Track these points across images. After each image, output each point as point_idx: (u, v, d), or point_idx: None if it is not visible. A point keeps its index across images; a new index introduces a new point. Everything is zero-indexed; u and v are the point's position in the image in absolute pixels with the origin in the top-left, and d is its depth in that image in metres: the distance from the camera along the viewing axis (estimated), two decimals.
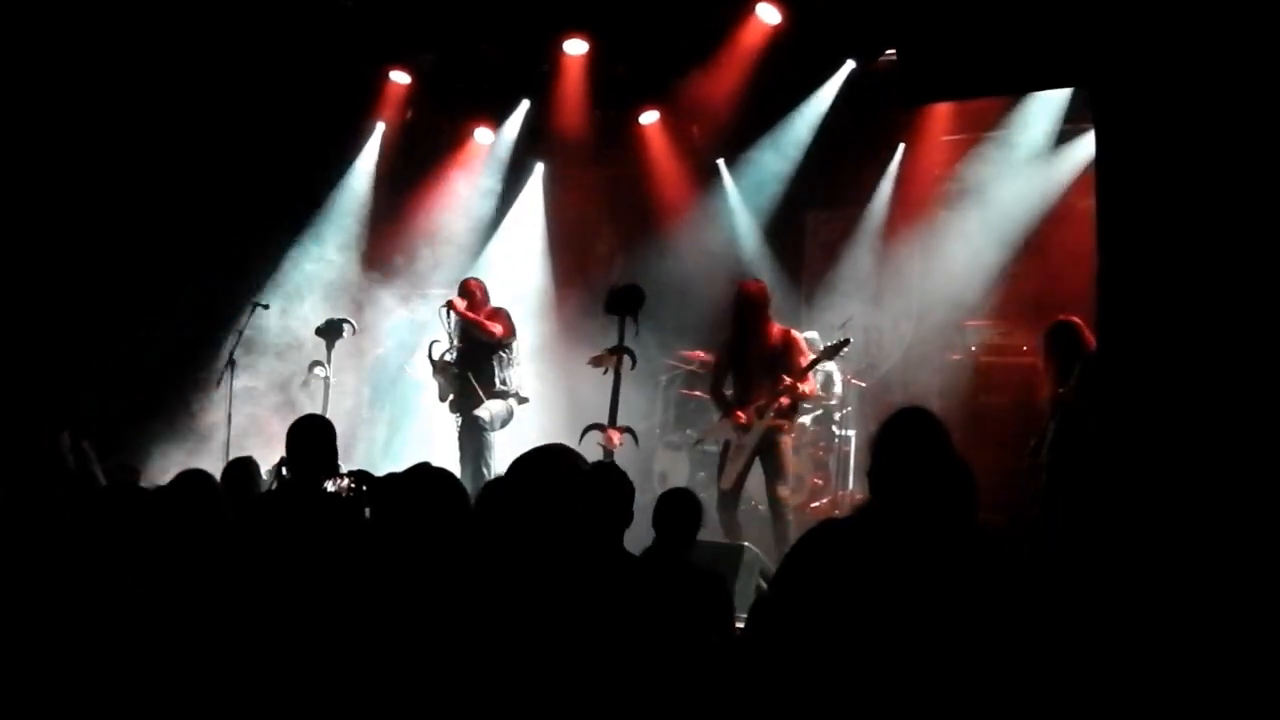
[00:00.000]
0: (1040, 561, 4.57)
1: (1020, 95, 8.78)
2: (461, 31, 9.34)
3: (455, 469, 7.92)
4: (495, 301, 8.86)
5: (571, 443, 5.71)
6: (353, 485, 5.31)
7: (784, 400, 7.32)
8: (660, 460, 9.56)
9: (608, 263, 11.20)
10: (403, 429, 10.38)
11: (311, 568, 3.94)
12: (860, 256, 9.96)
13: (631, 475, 4.36)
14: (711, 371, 8.07)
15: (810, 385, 7.55)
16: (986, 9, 5.19)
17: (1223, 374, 4.32)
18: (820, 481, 9.01)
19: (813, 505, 8.73)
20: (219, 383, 9.05)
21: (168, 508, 4.48)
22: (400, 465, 4.36)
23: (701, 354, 9.58)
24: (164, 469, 8.48)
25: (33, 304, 8.83)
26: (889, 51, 8.72)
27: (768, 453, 7.37)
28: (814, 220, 10.64)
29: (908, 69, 5.69)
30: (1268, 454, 4.13)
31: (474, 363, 8.58)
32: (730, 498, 7.40)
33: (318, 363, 9.36)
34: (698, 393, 9.58)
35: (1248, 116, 4.40)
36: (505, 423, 8.57)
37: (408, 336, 10.46)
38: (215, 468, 6.10)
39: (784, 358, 7.39)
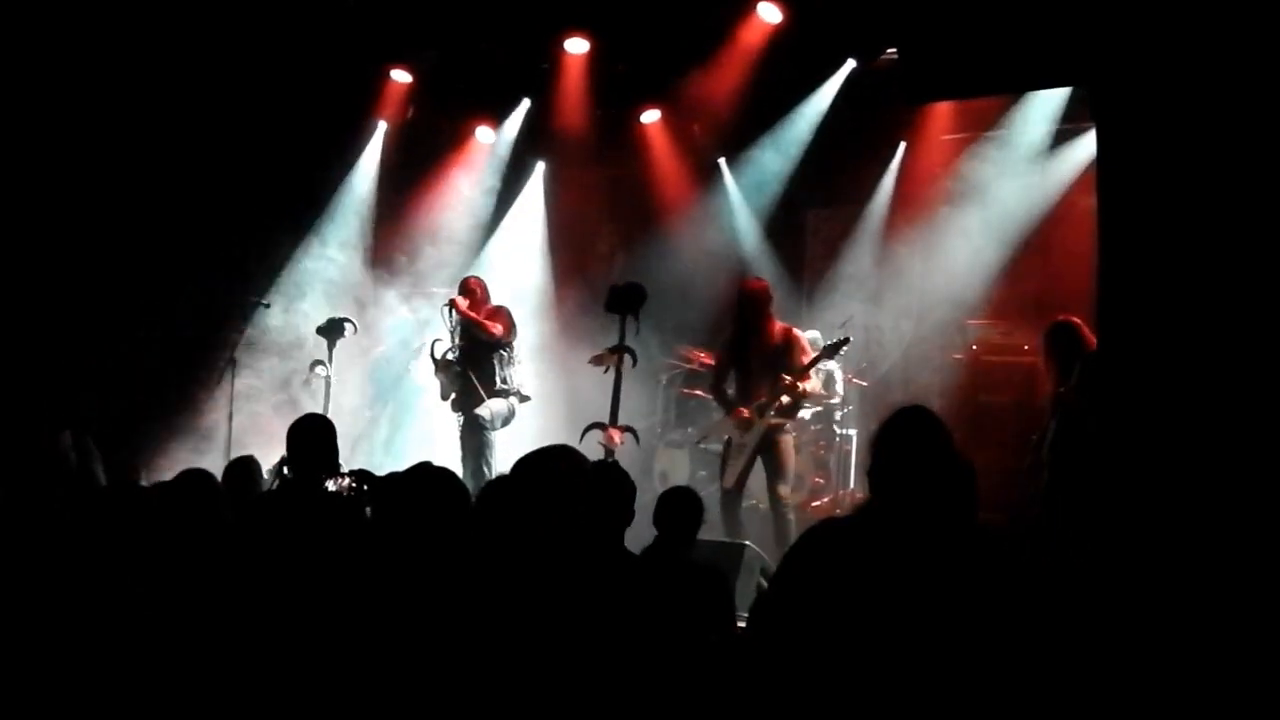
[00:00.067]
0: (1040, 561, 4.57)
1: (1021, 94, 8.78)
2: (462, 30, 9.33)
3: (457, 468, 7.92)
4: (495, 300, 8.88)
5: (572, 442, 5.72)
6: (354, 484, 5.32)
7: (784, 399, 7.33)
8: (661, 459, 9.56)
9: (608, 261, 11.20)
10: (404, 428, 10.38)
11: (312, 567, 3.94)
12: (861, 255, 9.95)
13: (632, 474, 4.36)
14: (713, 370, 8.08)
15: (811, 384, 7.55)
16: (987, 8, 5.19)
17: (1223, 373, 4.32)
18: (821, 480, 9.01)
19: (813, 504, 8.73)
20: (220, 382, 9.05)
21: (168, 507, 4.48)
22: (401, 464, 4.37)
23: (702, 354, 9.58)
24: (165, 468, 8.48)
25: (33, 303, 8.82)
26: (890, 50, 8.72)
27: (769, 451, 7.38)
28: (815, 219, 10.64)
29: (909, 67, 5.70)
30: (1267, 453, 4.14)
31: (475, 361, 8.59)
32: (732, 496, 7.41)
33: (319, 362, 9.37)
34: (698, 391, 9.58)
35: (1248, 116, 4.40)
36: (507, 421, 8.58)
37: (409, 335, 10.47)
38: (217, 466, 6.11)
39: (785, 356, 7.39)
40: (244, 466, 5.78)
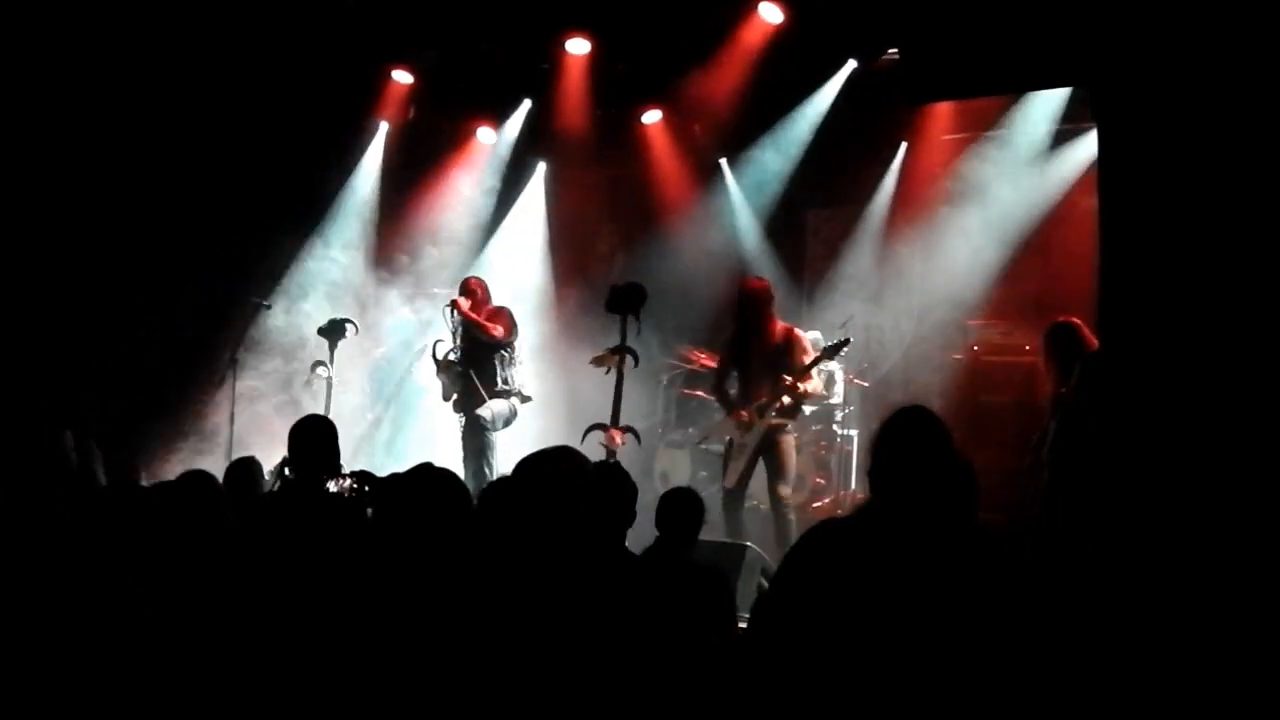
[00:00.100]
0: (1040, 561, 4.57)
1: (1021, 94, 8.78)
2: (463, 30, 9.34)
3: (458, 469, 7.93)
4: (496, 300, 8.88)
5: (573, 442, 5.72)
6: (355, 485, 5.33)
7: (785, 399, 7.33)
8: (662, 459, 9.56)
9: (609, 261, 11.20)
10: (405, 428, 10.39)
11: (313, 568, 3.94)
12: (861, 255, 9.95)
13: (633, 474, 4.37)
14: (715, 370, 8.08)
15: (812, 384, 7.55)
16: (988, 9, 5.19)
17: (1223, 374, 4.33)
18: (822, 481, 9.01)
19: (814, 505, 8.73)
20: (221, 382, 9.05)
21: (169, 508, 4.49)
22: (403, 465, 4.36)
23: (702, 354, 9.59)
24: (167, 469, 8.48)
25: (34, 303, 8.83)
26: (890, 51, 8.72)
27: (769, 452, 7.38)
28: (815, 219, 10.64)
29: (910, 68, 5.71)
30: (1268, 454, 4.14)
31: (477, 362, 8.59)
32: (734, 497, 7.41)
33: (320, 363, 9.37)
34: (699, 392, 9.59)
35: (1249, 116, 4.40)
36: (508, 422, 8.59)
37: (411, 336, 10.47)
38: (218, 467, 6.11)
39: (786, 356, 7.40)
40: (245, 467, 5.77)
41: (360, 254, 10.60)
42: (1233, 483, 4.18)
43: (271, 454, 6.60)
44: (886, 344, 9.84)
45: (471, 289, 8.76)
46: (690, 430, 9.67)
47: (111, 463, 7.99)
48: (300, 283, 10.21)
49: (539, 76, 10.06)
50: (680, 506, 4.49)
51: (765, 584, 5.71)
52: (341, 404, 9.37)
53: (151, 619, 3.85)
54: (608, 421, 7.56)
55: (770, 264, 10.00)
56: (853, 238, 10.01)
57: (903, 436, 3.31)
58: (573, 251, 11.18)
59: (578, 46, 9.63)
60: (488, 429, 8.41)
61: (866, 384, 9.37)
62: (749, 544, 6.16)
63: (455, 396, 8.70)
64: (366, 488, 5.29)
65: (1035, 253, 8.77)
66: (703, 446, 9.00)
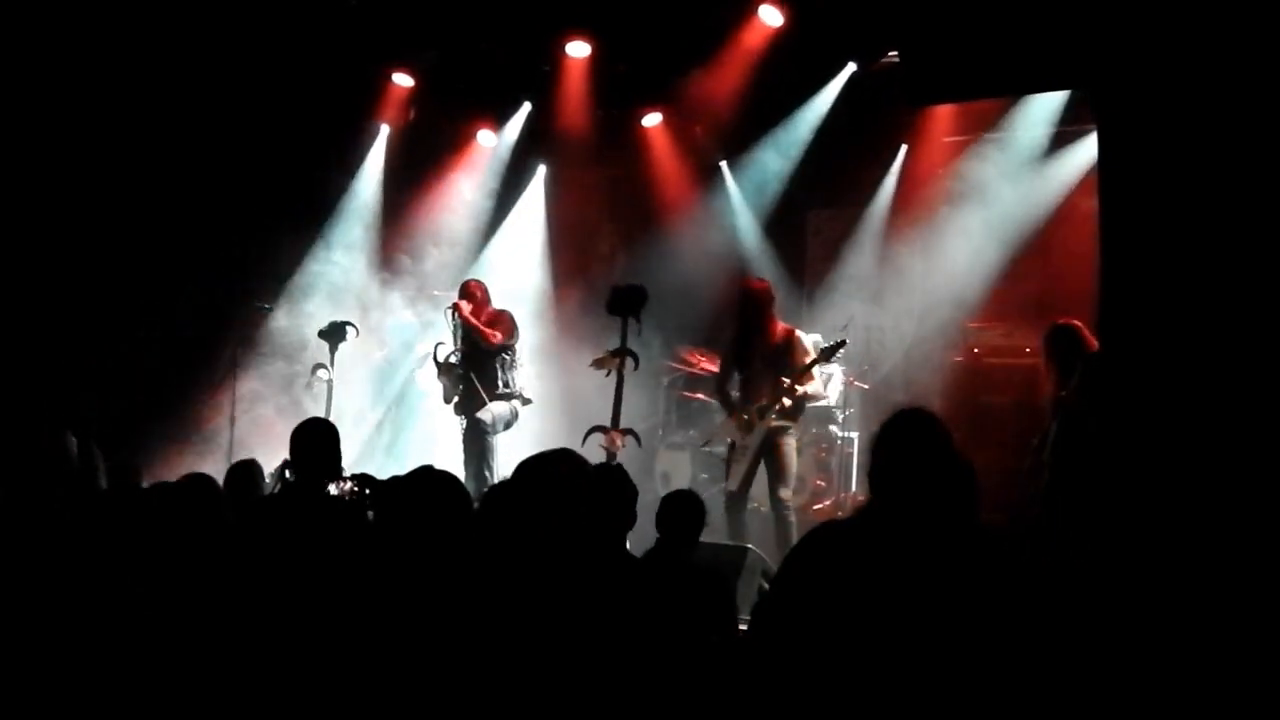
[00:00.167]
0: (1040, 561, 4.57)
1: (1022, 96, 8.79)
2: (463, 32, 9.35)
3: (459, 471, 7.93)
4: (497, 303, 8.87)
5: (573, 445, 5.72)
6: (355, 488, 5.33)
7: (786, 401, 7.33)
8: (662, 461, 9.57)
9: (609, 263, 11.21)
10: (406, 431, 10.39)
11: (314, 571, 3.95)
12: (862, 257, 9.96)
13: (634, 476, 4.38)
14: (717, 371, 8.08)
15: (813, 386, 7.55)
16: (988, 11, 5.19)
17: (1224, 376, 4.33)
18: (823, 483, 9.01)
19: (815, 507, 8.73)
20: (222, 384, 9.05)
21: (169, 510, 4.49)
22: (403, 468, 4.37)
23: (702, 356, 9.59)
24: (167, 471, 8.47)
25: (35, 304, 8.83)
26: (890, 53, 8.73)
27: (770, 454, 7.38)
28: (816, 220, 10.65)
29: (910, 70, 5.70)
30: (1268, 455, 4.14)
31: (478, 364, 8.59)
32: (737, 499, 7.42)
33: (321, 365, 9.37)
34: (699, 394, 9.59)
35: (1250, 118, 4.40)
36: (509, 424, 8.58)
37: (412, 337, 10.47)
38: (219, 469, 6.12)
39: (786, 357, 7.40)
40: (245, 470, 5.78)
41: (362, 256, 10.60)
42: (1233, 484, 4.18)
43: (272, 456, 6.60)
44: (887, 345, 9.85)
45: (471, 291, 8.76)
46: (691, 432, 9.67)
47: (111, 465, 7.98)
48: (302, 285, 10.22)
49: (539, 78, 10.07)
50: (681, 508, 4.49)
51: (766, 586, 5.72)
52: (342, 406, 9.37)
53: (151, 621, 3.86)
54: (608, 423, 7.56)
55: (771, 265, 10.01)
56: (853, 239, 10.02)
57: (903, 438, 3.31)
58: (573, 253, 11.19)
59: (578, 50, 9.63)
60: (488, 433, 8.41)
61: (867, 386, 9.37)
62: (750, 546, 6.16)
63: (456, 399, 8.70)
64: (367, 490, 5.29)
65: (1036, 254, 8.78)
66: (705, 449, 9.00)
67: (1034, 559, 4.46)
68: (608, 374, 7.74)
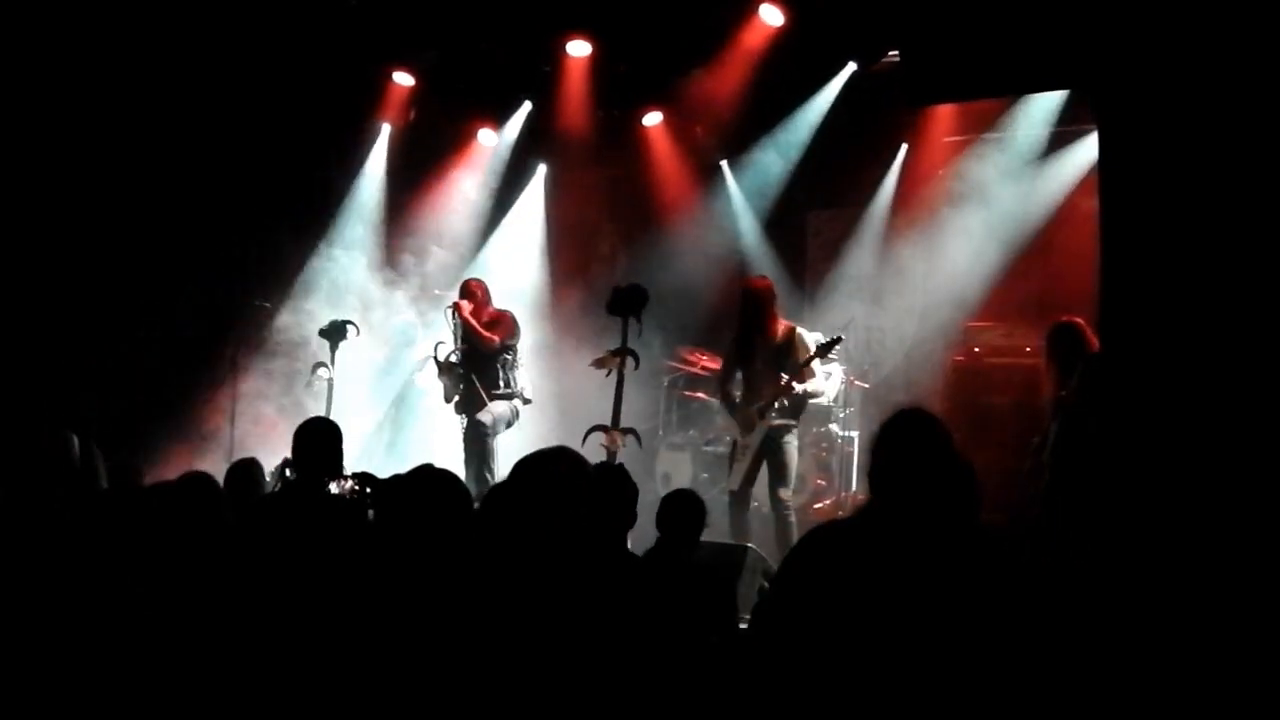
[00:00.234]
0: (1041, 561, 4.57)
1: (1023, 96, 8.79)
2: (463, 31, 9.35)
3: (459, 470, 7.92)
4: (497, 302, 8.86)
5: (573, 444, 5.71)
6: (356, 487, 5.33)
7: (785, 400, 7.33)
8: (663, 461, 9.57)
9: (609, 263, 11.21)
10: (406, 430, 10.38)
11: (315, 569, 3.95)
12: (862, 257, 9.96)
13: (634, 475, 4.38)
14: (719, 370, 8.08)
15: (814, 384, 7.55)
16: (988, 11, 5.19)
17: (1224, 375, 4.33)
18: (823, 482, 9.01)
19: (815, 506, 8.73)
20: (223, 383, 9.04)
21: (169, 509, 4.49)
22: (404, 467, 4.37)
23: (702, 356, 9.59)
24: (168, 470, 8.47)
25: (35, 304, 8.83)
26: (891, 53, 8.73)
27: (771, 453, 7.38)
28: (816, 220, 10.65)
29: (910, 70, 5.71)
30: (1268, 455, 4.14)
31: (478, 364, 8.57)
32: (739, 498, 7.42)
33: (321, 364, 9.37)
34: (700, 394, 9.59)
35: (1250, 118, 4.40)
36: (509, 424, 8.58)
37: (413, 337, 10.47)
38: (219, 469, 6.11)
39: (786, 355, 7.40)
40: (246, 469, 5.78)
41: (362, 255, 10.60)
42: (1234, 484, 4.18)
43: (273, 455, 6.60)
44: (888, 345, 9.85)
45: (471, 291, 8.74)
46: (691, 432, 9.67)
47: (112, 464, 7.98)
48: (304, 284, 10.22)
49: (540, 78, 10.07)
50: (681, 508, 4.49)
51: (766, 585, 5.72)
52: (342, 405, 9.37)
53: (151, 620, 3.86)
54: (608, 423, 7.56)
55: (771, 265, 10.00)
56: (854, 239, 10.03)
57: (903, 438, 3.31)
58: (573, 253, 11.19)
59: (579, 49, 9.64)
60: (488, 433, 8.40)
61: (867, 385, 9.37)
62: (750, 545, 6.17)
63: (457, 398, 8.69)
64: (368, 489, 5.29)
65: (1037, 254, 8.78)
66: (706, 448, 8.99)
67: (1034, 559, 4.47)
68: (608, 374, 7.74)
